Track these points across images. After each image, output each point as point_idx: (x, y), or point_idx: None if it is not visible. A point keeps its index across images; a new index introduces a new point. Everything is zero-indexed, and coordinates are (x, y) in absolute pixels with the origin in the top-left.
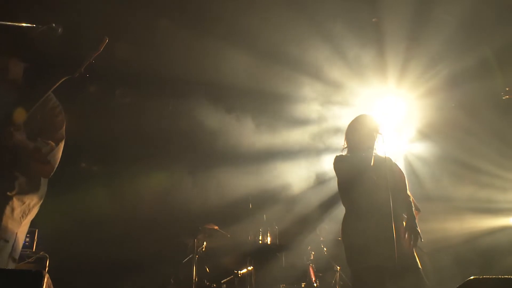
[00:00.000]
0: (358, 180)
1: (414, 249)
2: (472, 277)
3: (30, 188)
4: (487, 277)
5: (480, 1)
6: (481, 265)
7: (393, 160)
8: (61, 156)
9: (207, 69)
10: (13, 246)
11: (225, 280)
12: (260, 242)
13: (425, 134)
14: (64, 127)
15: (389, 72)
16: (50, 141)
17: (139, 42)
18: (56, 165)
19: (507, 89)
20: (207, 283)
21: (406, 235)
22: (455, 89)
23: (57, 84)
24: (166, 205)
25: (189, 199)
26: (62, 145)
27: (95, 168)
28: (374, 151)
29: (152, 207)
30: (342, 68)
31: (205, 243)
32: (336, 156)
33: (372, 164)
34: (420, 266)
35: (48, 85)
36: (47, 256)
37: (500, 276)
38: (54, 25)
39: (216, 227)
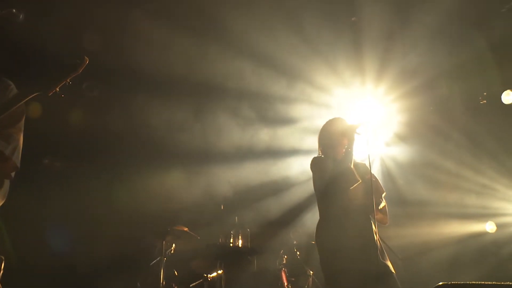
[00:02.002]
0: (335, 183)
1: (387, 255)
2: (440, 283)
3: None
4: (455, 283)
5: (459, 2)
6: (455, 271)
7: (367, 164)
8: (25, 153)
9: (180, 64)
10: None
11: (194, 284)
12: (231, 245)
13: (402, 137)
14: (23, 119)
15: (367, 73)
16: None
17: (108, 34)
18: (19, 161)
19: (484, 93)
20: (175, 287)
21: (378, 241)
22: (432, 92)
23: (27, 99)
24: (133, 205)
25: (157, 199)
26: (21, 138)
27: (58, 165)
28: (351, 144)
29: (118, 207)
30: (319, 68)
31: (173, 245)
32: (314, 158)
33: (352, 166)
34: (393, 271)
35: (18, 99)
36: (3, 258)
37: (468, 282)
38: (14, 10)
39: (185, 229)
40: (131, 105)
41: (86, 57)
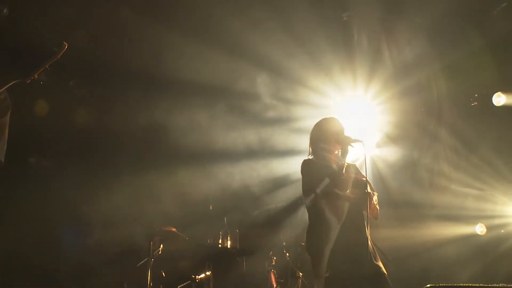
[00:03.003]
0: (325, 186)
1: (379, 256)
2: (428, 285)
3: None
4: (442, 285)
5: (451, 2)
6: (445, 273)
7: (358, 165)
8: (8, 151)
9: (169, 62)
10: None
11: (181, 285)
12: (220, 246)
13: (393, 139)
14: (8, 114)
15: (358, 73)
16: None
17: (97, 31)
18: (3, 156)
19: (475, 95)
20: None
21: (370, 243)
22: (423, 93)
23: (5, 87)
24: (120, 206)
25: (145, 199)
26: (5, 133)
27: (45, 164)
28: (345, 152)
29: (104, 207)
30: (309, 68)
31: (161, 246)
32: (304, 160)
33: (343, 170)
34: (385, 272)
35: None
36: None
37: (456, 284)
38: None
39: (173, 229)
40: (119, 104)
41: (65, 43)
